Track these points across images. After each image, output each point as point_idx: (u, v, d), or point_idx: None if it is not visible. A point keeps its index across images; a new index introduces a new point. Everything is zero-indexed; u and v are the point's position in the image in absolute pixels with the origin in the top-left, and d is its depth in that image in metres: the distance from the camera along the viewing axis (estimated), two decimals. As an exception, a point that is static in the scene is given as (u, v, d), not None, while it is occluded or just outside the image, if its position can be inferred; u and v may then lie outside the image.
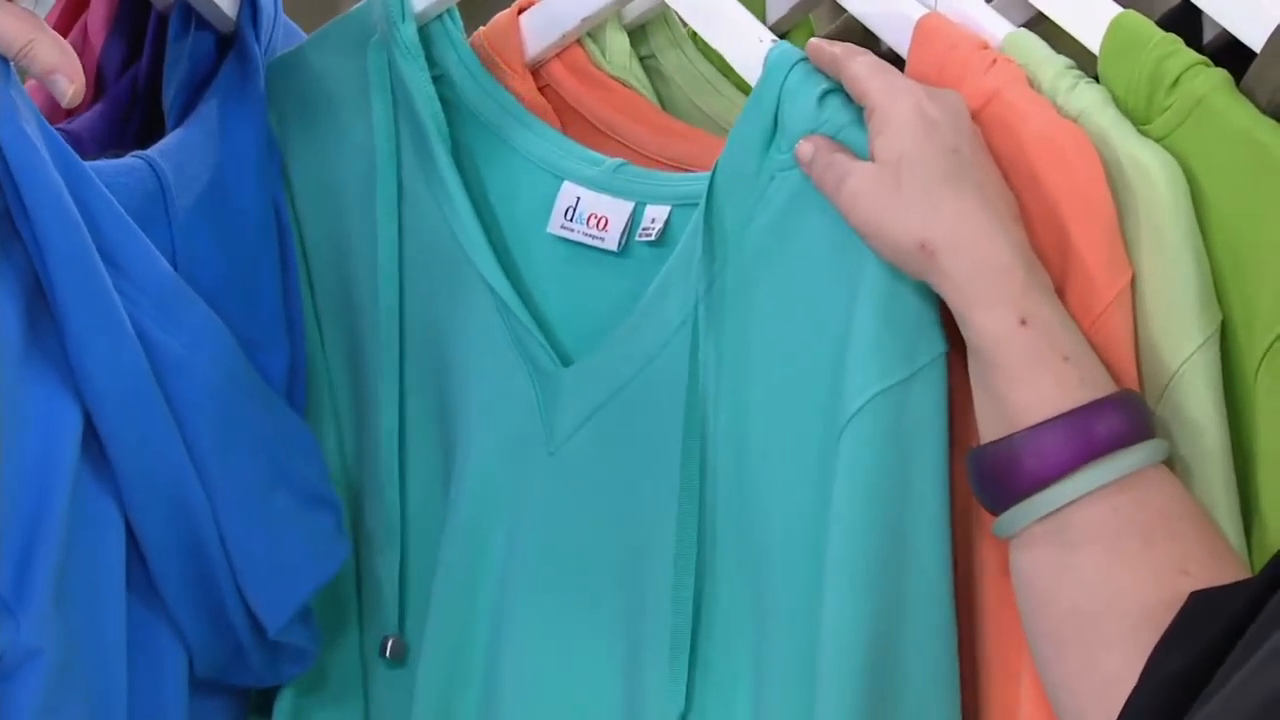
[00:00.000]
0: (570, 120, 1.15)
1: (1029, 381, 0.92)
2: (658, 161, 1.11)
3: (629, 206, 1.04)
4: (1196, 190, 0.97)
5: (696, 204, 1.01)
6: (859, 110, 0.97)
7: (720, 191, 0.99)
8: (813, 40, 1.00)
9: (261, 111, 1.09)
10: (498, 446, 1.06)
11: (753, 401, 0.99)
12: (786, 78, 0.98)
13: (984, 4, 1.05)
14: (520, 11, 1.16)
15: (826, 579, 0.94)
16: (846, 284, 0.95)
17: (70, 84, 0.93)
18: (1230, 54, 1.03)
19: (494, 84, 1.10)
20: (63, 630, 0.97)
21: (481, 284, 1.05)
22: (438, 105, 1.07)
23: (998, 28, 1.03)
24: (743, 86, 1.17)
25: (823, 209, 0.96)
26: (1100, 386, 0.92)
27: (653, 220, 1.03)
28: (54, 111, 1.07)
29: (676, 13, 1.12)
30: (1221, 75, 0.98)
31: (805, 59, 0.99)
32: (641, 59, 1.18)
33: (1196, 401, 0.94)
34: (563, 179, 1.06)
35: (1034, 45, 1.02)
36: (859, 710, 0.93)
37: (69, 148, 0.98)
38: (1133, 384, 0.95)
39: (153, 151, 1.04)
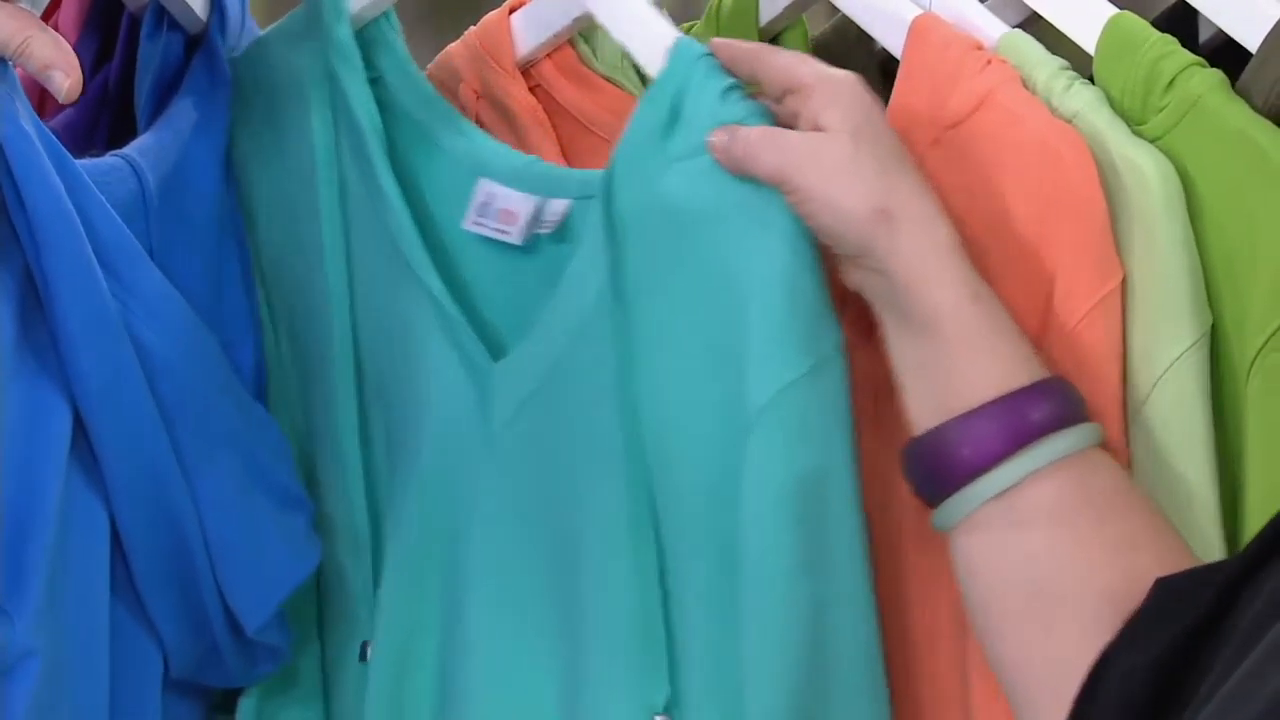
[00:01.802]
0: (560, 120, 1.15)
1: (977, 356, 0.92)
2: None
3: (534, 201, 1.04)
4: (1191, 190, 0.97)
5: (595, 196, 1.01)
6: (764, 108, 0.97)
7: (619, 181, 0.99)
8: (716, 39, 0.99)
9: (226, 113, 1.09)
10: (442, 443, 1.06)
11: (664, 393, 0.98)
12: (690, 70, 0.98)
13: (978, 4, 1.05)
14: (511, 11, 1.16)
15: (748, 581, 0.94)
16: (744, 276, 0.95)
17: (67, 79, 0.93)
18: (1226, 54, 1.02)
19: (426, 86, 1.10)
20: (54, 631, 0.97)
21: (419, 283, 1.05)
22: (373, 107, 1.07)
23: (993, 28, 1.03)
24: (735, 86, 1.16)
25: (720, 200, 0.96)
26: (1038, 369, 0.93)
27: (552, 213, 1.04)
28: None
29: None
30: (1217, 76, 0.98)
31: (709, 54, 0.98)
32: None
33: (1182, 402, 0.94)
34: (480, 176, 1.07)
35: (1029, 46, 1.02)
36: (792, 707, 0.93)
37: (63, 147, 0.98)
38: (1115, 386, 0.95)
39: (132, 151, 1.04)
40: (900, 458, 0.95)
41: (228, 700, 1.12)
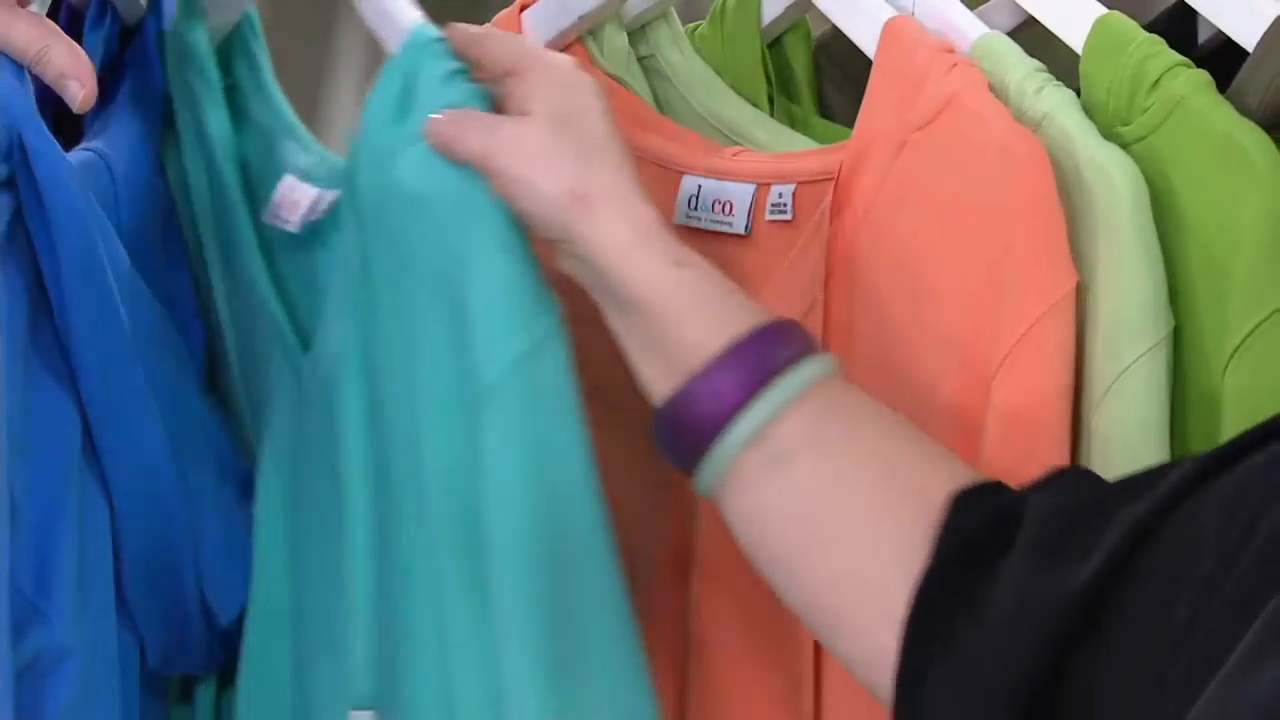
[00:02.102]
0: (567, 119, 1.15)
1: (695, 317, 0.92)
2: (649, 162, 1.11)
3: (314, 193, 1.06)
4: (1173, 190, 0.97)
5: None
6: (483, 91, 0.98)
7: (361, 168, 1.00)
8: (454, 24, 1.00)
9: (160, 103, 1.10)
10: (282, 436, 1.08)
11: (404, 381, 0.99)
12: (420, 55, 0.99)
13: (960, 6, 1.05)
14: (522, 9, 1.16)
15: (492, 559, 0.94)
16: (461, 260, 0.95)
17: (82, 89, 0.95)
18: (1226, 55, 1.02)
19: (273, 91, 1.11)
20: (82, 627, 0.99)
21: (254, 281, 1.07)
22: (224, 118, 1.09)
23: (973, 29, 1.03)
24: (736, 86, 1.17)
25: (438, 184, 0.96)
26: (760, 314, 0.93)
27: (325, 203, 1.05)
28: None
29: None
30: (1202, 76, 0.98)
31: (441, 38, 0.99)
32: (641, 58, 1.18)
33: (1139, 402, 0.94)
34: (285, 173, 1.09)
35: (1004, 47, 1.02)
36: (545, 671, 0.94)
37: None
38: (1067, 388, 0.95)
39: (101, 146, 1.04)
40: (652, 432, 0.95)
41: (185, 689, 1.13)
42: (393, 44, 1.01)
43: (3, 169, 0.94)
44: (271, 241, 1.08)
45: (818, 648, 1.03)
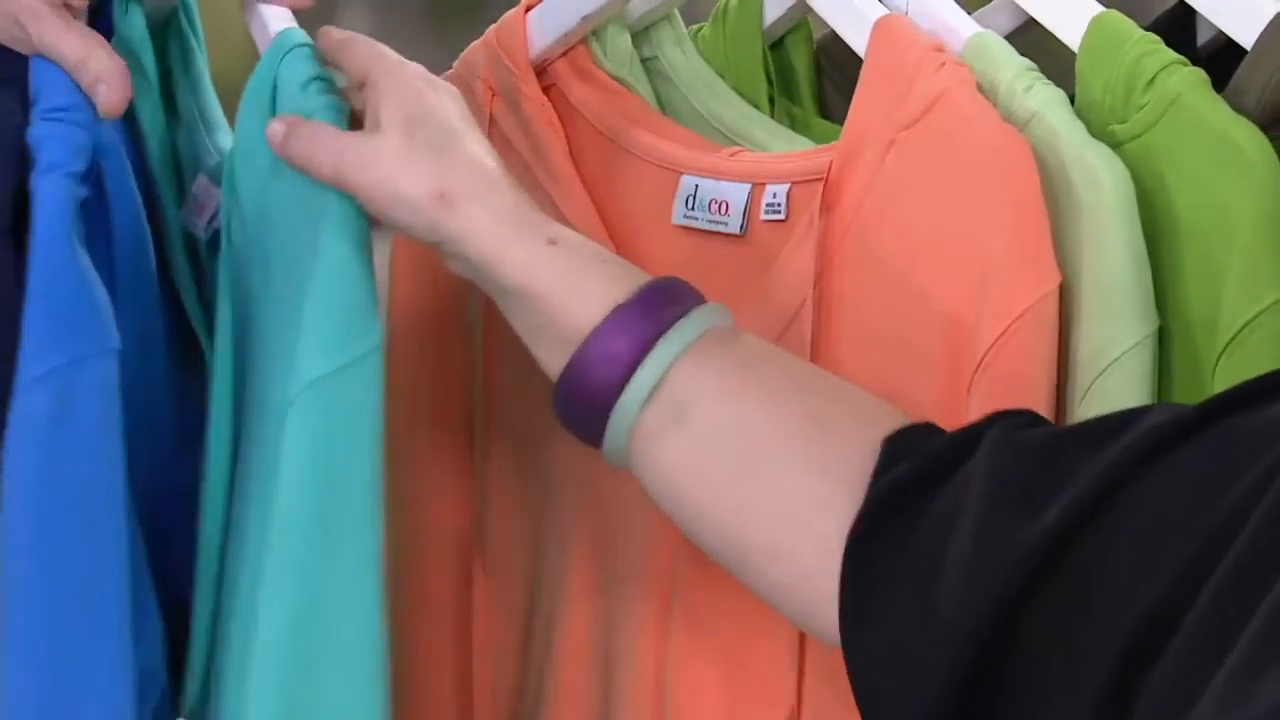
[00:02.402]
0: (571, 120, 1.16)
1: (577, 289, 0.93)
2: (649, 161, 1.11)
3: (216, 194, 1.06)
4: (1168, 188, 0.97)
5: None
6: (337, 102, 0.98)
7: (239, 174, 1.01)
8: (327, 27, 1.00)
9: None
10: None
11: (266, 374, 0.99)
12: (281, 62, 0.99)
13: (954, 5, 1.05)
14: (528, 10, 1.17)
15: (263, 561, 0.94)
16: (303, 271, 0.95)
17: (112, 94, 0.96)
18: (1227, 56, 1.02)
19: (202, 80, 1.11)
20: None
21: (180, 284, 1.08)
22: (156, 107, 1.08)
23: (967, 29, 1.03)
24: (737, 87, 1.17)
25: (292, 196, 0.97)
26: (641, 276, 0.94)
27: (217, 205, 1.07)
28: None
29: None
30: (1198, 74, 0.98)
31: (306, 44, 0.99)
32: (644, 59, 1.18)
33: (1118, 403, 0.93)
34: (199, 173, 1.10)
35: (996, 46, 1.02)
36: (280, 689, 0.93)
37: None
38: (1049, 389, 0.95)
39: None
40: (555, 410, 0.95)
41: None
42: (262, 42, 1.02)
43: (83, 191, 0.94)
44: (195, 239, 1.09)
45: (804, 657, 1.03)
